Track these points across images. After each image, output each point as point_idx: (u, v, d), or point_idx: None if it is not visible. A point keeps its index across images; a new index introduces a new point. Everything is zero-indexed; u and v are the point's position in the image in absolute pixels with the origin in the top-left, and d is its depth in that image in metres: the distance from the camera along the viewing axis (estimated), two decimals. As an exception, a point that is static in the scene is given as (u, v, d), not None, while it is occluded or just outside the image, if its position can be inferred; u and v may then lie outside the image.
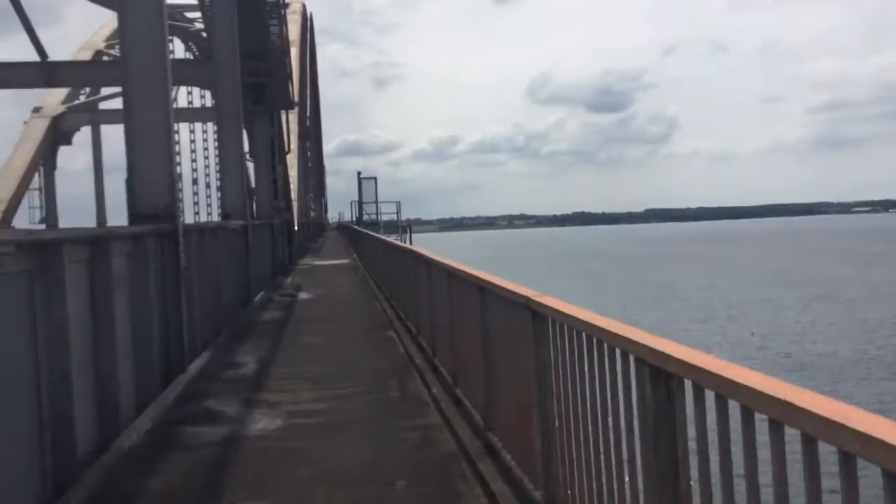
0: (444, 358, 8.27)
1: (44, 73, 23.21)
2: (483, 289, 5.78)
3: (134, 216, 9.67)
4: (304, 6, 60.05)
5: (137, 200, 9.66)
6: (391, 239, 38.97)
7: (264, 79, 23.56)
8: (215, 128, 42.21)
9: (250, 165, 25.28)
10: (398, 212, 46.95)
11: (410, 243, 47.16)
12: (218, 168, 42.36)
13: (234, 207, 16.93)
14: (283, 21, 23.26)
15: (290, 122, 39.41)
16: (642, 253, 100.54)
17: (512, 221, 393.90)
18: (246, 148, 23.93)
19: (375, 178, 48.58)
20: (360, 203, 47.37)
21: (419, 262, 10.18)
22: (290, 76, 25.53)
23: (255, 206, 24.99)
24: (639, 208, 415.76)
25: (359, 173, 48.17)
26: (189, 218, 42.47)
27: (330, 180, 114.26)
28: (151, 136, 9.94)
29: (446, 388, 7.73)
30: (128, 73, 10.12)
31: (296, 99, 43.01)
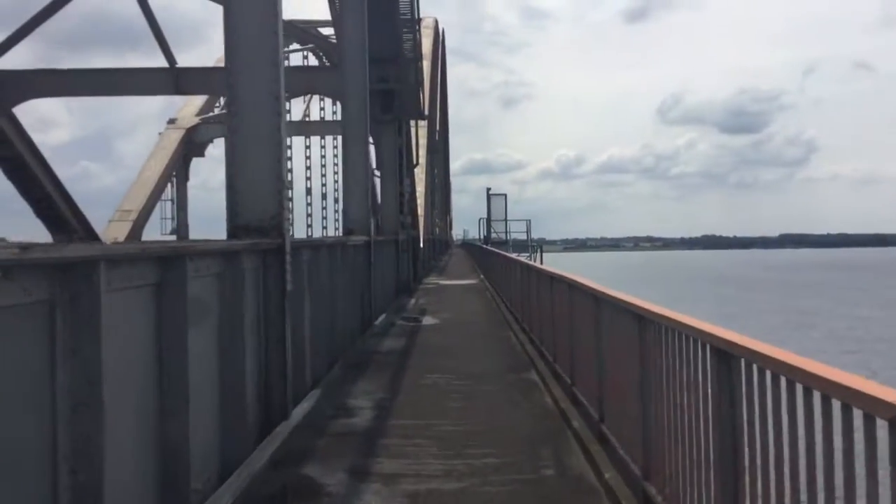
0: (618, 426, 6.08)
1: (171, 78, 22.65)
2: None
3: (234, 228, 7.99)
4: (436, 22, 59.33)
5: (239, 211, 7.93)
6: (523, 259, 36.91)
7: (394, 86, 22.08)
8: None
9: (377, 179, 23.90)
10: (528, 230, 44.89)
11: (541, 264, 45.10)
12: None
13: (357, 222, 15.36)
14: (416, 23, 21.76)
15: (420, 134, 38.16)
16: (777, 279, 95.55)
17: (638, 243, 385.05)
18: (372, 159, 22.63)
19: (505, 196, 46.74)
20: (489, 220, 45.53)
21: (578, 294, 8.02)
22: (421, 84, 23.99)
23: (379, 220, 23.54)
24: (773, 233, 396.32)
25: (488, 189, 46.54)
26: (317, 234, 41.78)
27: (455, 197, 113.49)
28: (257, 135, 8.14)
29: (626, 475, 5.54)
30: (232, 69, 8.18)
31: (426, 111, 41.89)
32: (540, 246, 45.79)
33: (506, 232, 45.00)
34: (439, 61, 56.97)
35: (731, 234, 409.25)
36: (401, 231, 24.21)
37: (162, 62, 22.63)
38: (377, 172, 22.95)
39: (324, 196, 44.34)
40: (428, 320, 17.14)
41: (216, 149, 42.75)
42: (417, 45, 21.63)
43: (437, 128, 46.30)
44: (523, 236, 45.58)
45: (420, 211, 33.62)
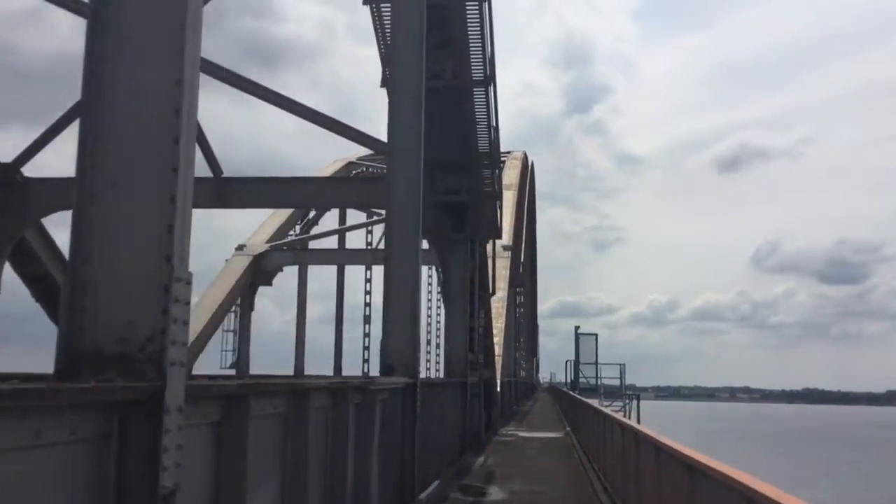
0: None
1: (216, 188, 19.93)
2: None
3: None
4: (524, 155, 57.29)
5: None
6: (612, 409, 31.91)
7: (465, 198, 18.71)
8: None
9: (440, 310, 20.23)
10: (622, 376, 39.91)
11: (638, 417, 39.54)
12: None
13: (398, 357, 11.54)
14: (494, 129, 18.58)
15: (500, 265, 34.60)
16: (886, 437, 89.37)
17: (734, 394, 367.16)
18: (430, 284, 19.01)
19: (596, 336, 42.12)
20: (577, 363, 40.94)
21: None
22: (499, 198, 20.58)
23: (444, 358, 19.66)
24: (880, 389, 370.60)
25: (576, 328, 42.10)
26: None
27: (543, 339, 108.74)
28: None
29: None
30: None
31: (508, 241, 38.50)
32: (637, 395, 40.58)
33: (596, 377, 40.23)
34: (526, 193, 54.38)
35: (834, 388, 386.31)
36: (471, 372, 20.21)
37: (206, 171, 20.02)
38: (435, 300, 19.24)
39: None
40: (494, 494, 12.81)
41: (287, 278, 40.31)
42: (494, 148, 18.34)
43: (522, 261, 42.88)
44: (614, 381, 40.70)
45: (498, 350, 29.56)
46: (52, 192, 20.22)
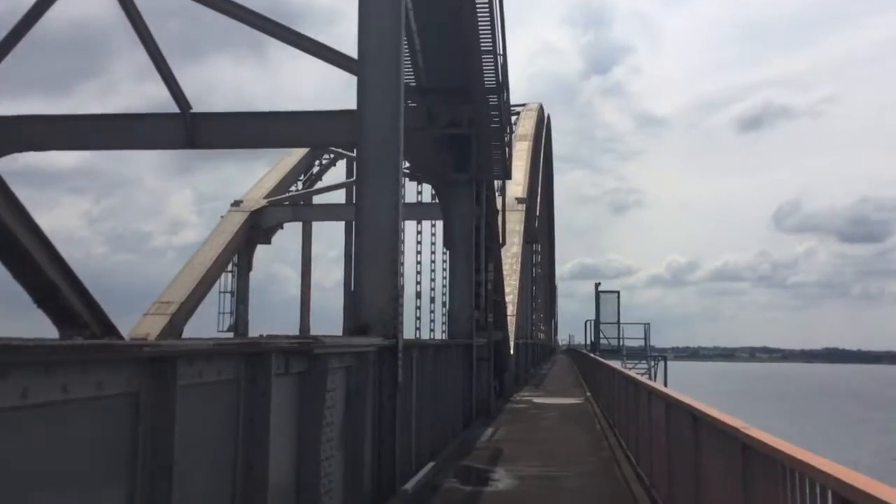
0: None
1: (184, 128, 17.44)
2: None
3: None
4: (540, 107, 54.16)
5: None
6: (636, 371, 29.41)
7: (467, 130, 16.07)
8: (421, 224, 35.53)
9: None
10: (647, 336, 37.22)
11: (665, 380, 37.10)
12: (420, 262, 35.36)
13: (374, 314, 9.07)
14: (499, 55, 15.79)
15: (512, 216, 31.96)
16: None
17: (754, 354, 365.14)
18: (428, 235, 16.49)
19: (618, 293, 39.32)
20: (598, 323, 38.30)
21: None
22: (508, 131, 17.88)
23: (447, 316, 17.23)
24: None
25: (597, 285, 39.27)
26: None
27: (562, 302, 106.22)
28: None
29: None
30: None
31: (522, 194, 35.79)
32: (664, 357, 37.95)
33: (618, 337, 37.65)
34: (542, 146, 51.46)
35: (855, 348, 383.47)
36: (477, 333, 17.76)
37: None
38: (442, 252, 16.71)
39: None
40: (499, 481, 10.36)
41: (288, 235, 37.82)
42: (502, 74, 15.57)
43: (538, 213, 40.14)
44: (637, 342, 38.08)
45: (511, 309, 27.07)
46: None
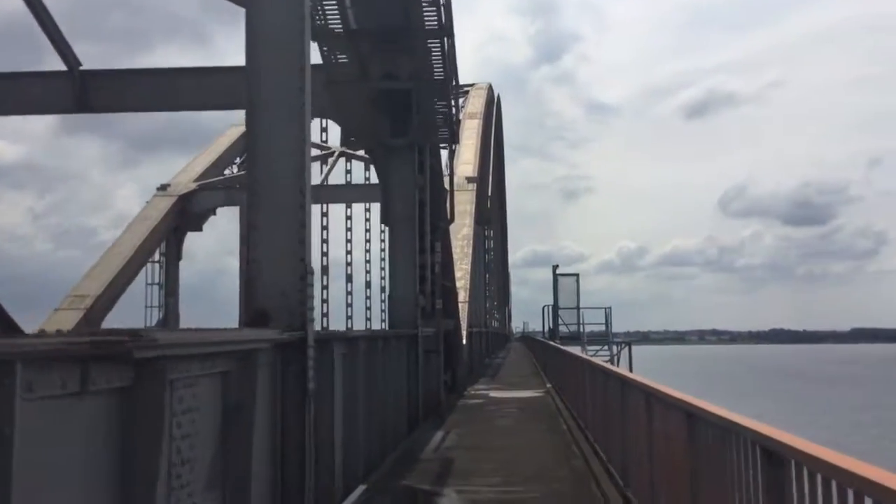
0: None
1: (73, 89, 14.76)
2: None
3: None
4: (490, 87, 51.99)
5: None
6: (598, 357, 27.46)
7: (406, 84, 13.71)
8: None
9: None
10: (608, 321, 35.18)
11: (630, 366, 35.24)
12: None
13: (274, 299, 6.72)
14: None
15: (462, 196, 29.73)
16: (857, 374, 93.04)
17: (703, 337, 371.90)
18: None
19: (577, 276, 37.21)
20: (556, 308, 36.17)
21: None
22: (455, 83, 15.53)
23: (387, 304, 14.90)
24: (844, 327, 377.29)
25: (555, 268, 37.16)
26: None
27: (515, 289, 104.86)
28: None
29: None
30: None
31: (473, 173, 33.56)
32: (628, 342, 36.06)
33: (578, 323, 35.62)
34: (492, 124, 49.30)
35: (800, 328, 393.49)
36: (424, 321, 15.48)
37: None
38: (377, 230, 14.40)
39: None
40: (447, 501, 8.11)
41: (225, 221, 35.04)
42: (445, 12, 13.18)
43: (490, 194, 37.87)
44: (596, 328, 36.10)
45: (462, 295, 24.84)
46: None
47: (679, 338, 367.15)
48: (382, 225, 15.49)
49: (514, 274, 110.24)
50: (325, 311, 34.83)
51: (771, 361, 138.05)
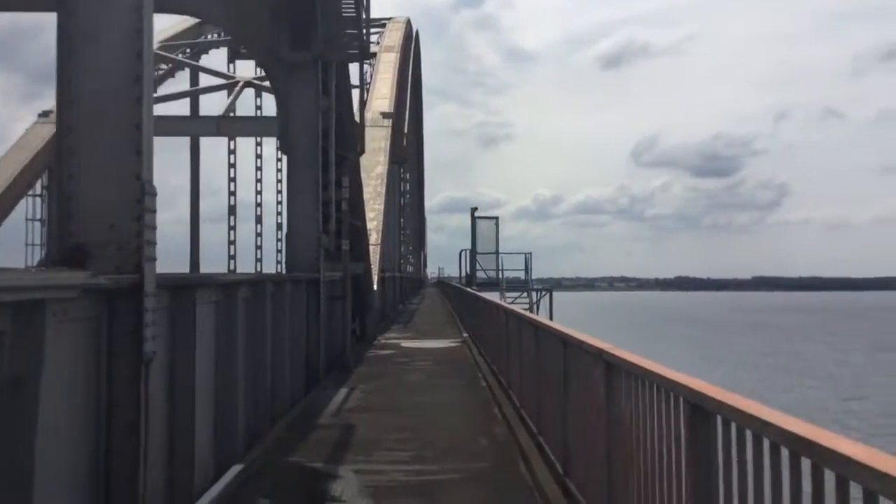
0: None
1: None
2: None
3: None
4: (408, 21, 49.36)
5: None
6: (517, 304, 26.26)
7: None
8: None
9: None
10: (528, 267, 33.78)
11: (550, 313, 34.24)
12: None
13: (98, 230, 4.85)
14: None
15: (377, 132, 27.74)
16: (756, 321, 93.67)
17: (612, 283, 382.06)
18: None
19: (496, 219, 35.62)
20: (474, 253, 34.60)
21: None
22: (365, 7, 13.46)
23: (284, 243, 13.00)
24: (746, 275, 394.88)
25: (473, 210, 35.42)
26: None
27: (431, 235, 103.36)
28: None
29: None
30: None
31: (390, 110, 31.45)
32: (549, 289, 34.86)
33: (497, 269, 34.20)
34: (410, 60, 46.97)
35: (704, 276, 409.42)
36: (328, 265, 13.68)
37: None
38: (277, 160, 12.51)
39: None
40: (341, 484, 6.47)
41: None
42: None
43: (406, 132, 35.82)
44: (514, 275, 34.82)
45: (374, 238, 23.05)
46: None
47: (589, 285, 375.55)
48: (280, 154, 13.45)
49: (431, 220, 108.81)
50: (231, 253, 32.35)
51: (678, 309, 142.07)
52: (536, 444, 7.38)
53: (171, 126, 30.74)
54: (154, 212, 5.11)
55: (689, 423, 3.27)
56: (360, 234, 18.25)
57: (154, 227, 5.11)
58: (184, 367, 6.17)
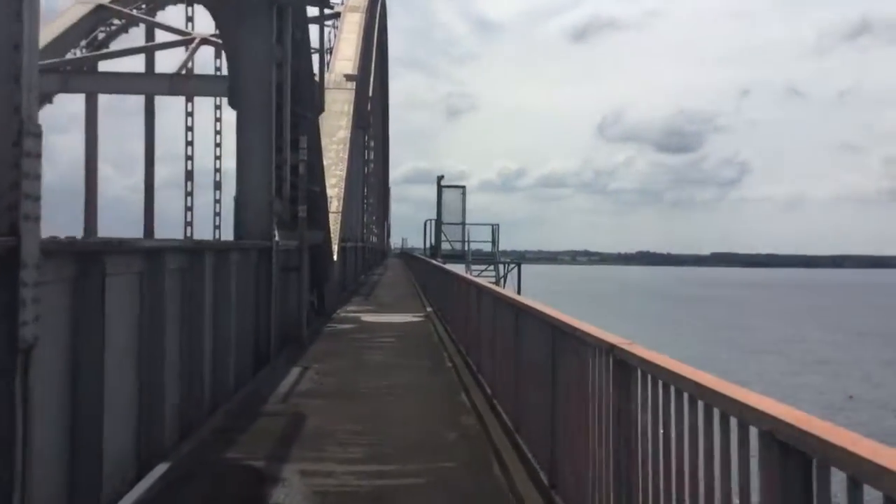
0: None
1: None
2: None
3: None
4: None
5: None
6: (484, 278, 25.34)
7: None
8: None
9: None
10: (495, 238, 32.64)
11: (518, 288, 33.34)
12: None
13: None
14: None
15: (339, 95, 26.47)
16: (713, 296, 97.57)
17: (575, 257, 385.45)
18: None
19: (463, 188, 34.36)
20: (439, 223, 33.35)
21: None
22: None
23: (234, 209, 11.80)
24: (705, 251, 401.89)
25: (439, 178, 34.09)
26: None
27: (395, 206, 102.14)
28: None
29: None
30: None
31: (354, 72, 30.06)
32: (517, 262, 33.76)
33: (463, 241, 33.02)
34: (377, 23, 45.38)
35: (665, 251, 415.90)
36: (283, 232, 12.56)
37: None
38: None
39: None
40: (283, 492, 5.44)
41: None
42: None
43: (371, 95, 34.39)
44: (481, 247, 33.74)
45: (336, 205, 21.88)
46: None
47: (552, 258, 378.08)
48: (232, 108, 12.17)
49: (395, 190, 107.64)
50: (189, 219, 30.84)
51: (641, 283, 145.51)
52: (513, 442, 6.41)
53: (122, 83, 28.95)
54: (38, 157, 3.98)
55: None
56: (319, 200, 17.06)
57: (38, 178, 3.97)
58: (90, 352, 5.06)
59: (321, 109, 14.82)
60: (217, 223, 29.97)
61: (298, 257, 14.14)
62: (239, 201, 11.62)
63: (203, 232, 28.23)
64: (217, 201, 32.22)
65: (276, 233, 11.74)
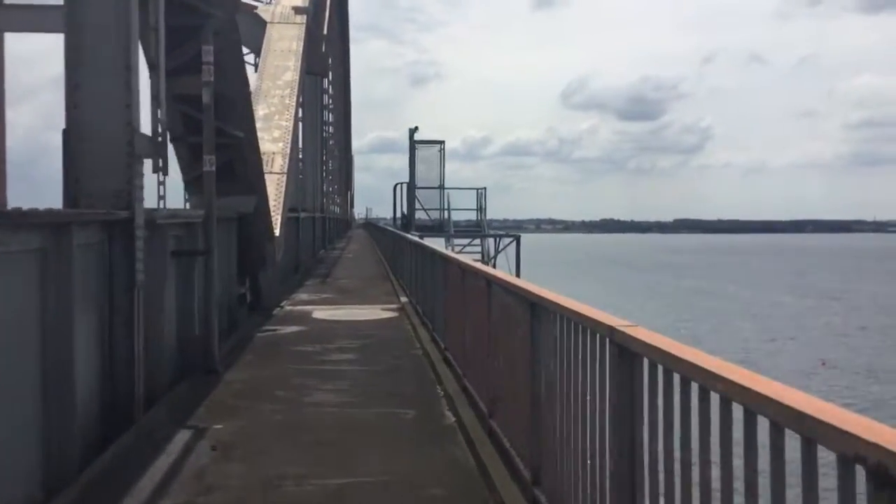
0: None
1: None
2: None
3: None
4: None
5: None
6: (468, 254, 20.53)
7: None
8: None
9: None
10: (482, 207, 27.19)
11: (518, 270, 28.00)
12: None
13: None
14: None
15: (286, 31, 21.21)
16: (680, 262, 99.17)
17: (539, 225, 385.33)
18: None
19: (442, 144, 28.56)
20: (412, 187, 27.82)
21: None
22: None
23: (62, 152, 6.65)
24: (668, 218, 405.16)
25: (412, 131, 28.25)
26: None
27: (359, 176, 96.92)
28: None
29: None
30: None
31: (306, 4, 24.60)
32: (516, 236, 28.41)
33: (441, 209, 27.54)
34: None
35: (629, 219, 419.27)
36: (165, 191, 7.46)
37: None
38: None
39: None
40: None
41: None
42: None
43: (326, 33, 28.84)
44: (463, 216, 28.44)
45: (279, 162, 16.71)
46: None
47: (517, 226, 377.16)
48: None
49: (358, 160, 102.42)
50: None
51: (606, 250, 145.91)
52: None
53: (37, 18, 23.11)
54: None
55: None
56: (247, 152, 11.92)
57: None
58: None
59: (236, 8, 9.68)
60: (161, 193, 24.61)
61: (205, 235, 9.07)
62: (70, 142, 6.47)
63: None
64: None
65: (142, 193, 6.64)
